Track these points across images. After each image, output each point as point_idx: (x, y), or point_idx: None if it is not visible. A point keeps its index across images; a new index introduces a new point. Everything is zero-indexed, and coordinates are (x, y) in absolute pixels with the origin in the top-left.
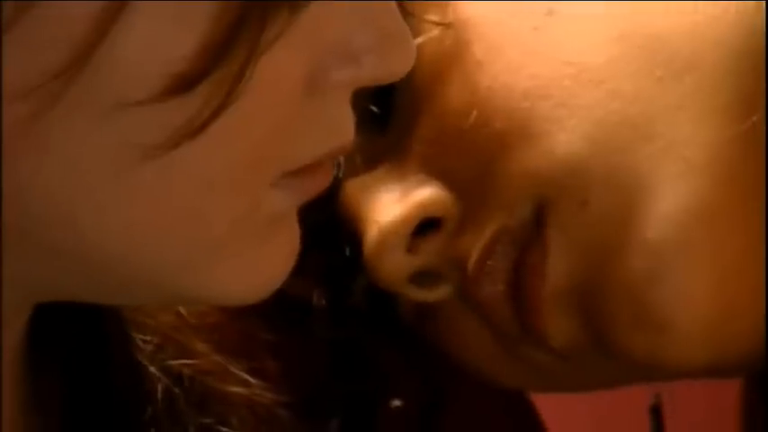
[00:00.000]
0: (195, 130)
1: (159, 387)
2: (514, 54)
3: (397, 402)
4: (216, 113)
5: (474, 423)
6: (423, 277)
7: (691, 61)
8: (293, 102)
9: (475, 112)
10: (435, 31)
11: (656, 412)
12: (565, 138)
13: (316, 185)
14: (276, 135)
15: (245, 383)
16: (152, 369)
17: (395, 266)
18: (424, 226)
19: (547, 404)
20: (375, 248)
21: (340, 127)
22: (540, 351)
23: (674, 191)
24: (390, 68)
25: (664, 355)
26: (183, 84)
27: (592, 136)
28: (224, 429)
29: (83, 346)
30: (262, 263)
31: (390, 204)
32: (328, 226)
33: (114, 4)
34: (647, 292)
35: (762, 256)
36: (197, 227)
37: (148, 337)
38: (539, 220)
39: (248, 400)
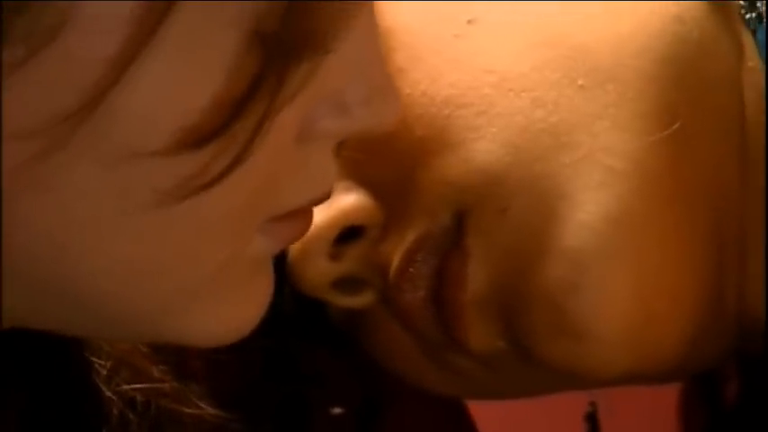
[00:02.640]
0: (207, 183)
1: (114, 411)
2: (435, 62)
3: (338, 410)
4: (230, 168)
5: (407, 428)
6: (347, 284)
7: (613, 70)
8: (287, 151)
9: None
10: None
11: (592, 420)
12: (484, 146)
13: (297, 231)
14: (269, 183)
15: (199, 406)
16: (108, 393)
17: (318, 273)
18: (348, 232)
19: (483, 412)
20: (298, 255)
21: (325, 175)
22: (462, 358)
23: (594, 199)
24: (380, 120)
25: (584, 363)
26: (196, 137)
27: (512, 144)
28: None
29: (41, 368)
30: (241, 306)
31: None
32: None
33: (131, 50)
34: (566, 300)
35: (683, 263)
36: (186, 270)
37: (103, 361)
38: (459, 227)
39: (202, 423)
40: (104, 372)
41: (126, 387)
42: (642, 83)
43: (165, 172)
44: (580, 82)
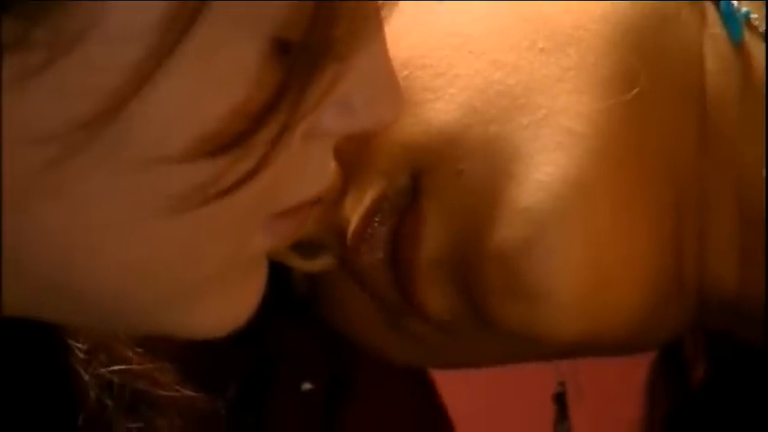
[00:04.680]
0: (224, 191)
1: (91, 394)
2: (396, 23)
3: (307, 385)
4: (248, 177)
5: (375, 407)
6: (306, 248)
7: (575, 34)
8: (294, 151)
9: None
10: None
11: (561, 399)
12: (442, 107)
13: (296, 227)
14: (274, 182)
15: (174, 388)
16: (85, 376)
17: None
18: None
19: (452, 392)
20: None
21: (325, 171)
22: (420, 323)
23: (551, 160)
24: (382, 119)
25: (537, 324)
26: (215, 146)
27: (470, 105)
28: None
29: (19, 351)
30: (237, 300)
31: None
32: None
33: (152, 59)
34: (520, 261)
35: (638, 228)
36: (190, 268)
37: (79, 345)
38: (415, 188)
39: (178, 404)
40: (82, 355)
41: (103, 370)
42: (603, 48)
43: (181, 179)
44: (541, 45)
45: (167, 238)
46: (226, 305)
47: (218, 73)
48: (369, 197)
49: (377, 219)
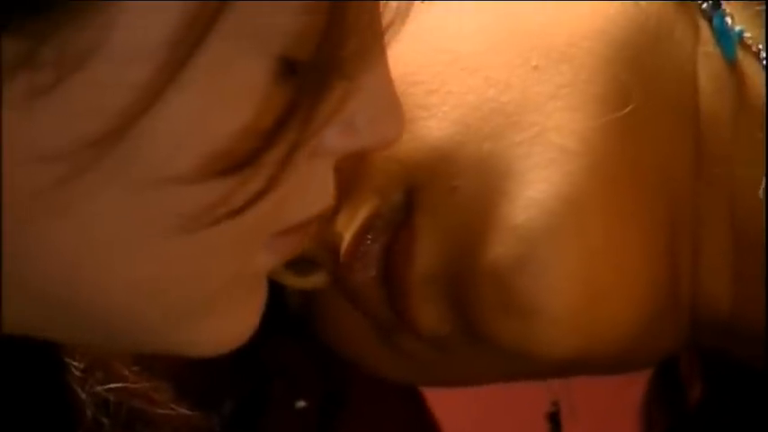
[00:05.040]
0: (233, 211)
1: (88, 413)
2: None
3: (301, 403)
4: (257, 197)
5: (368, 425)
6: (300, 265)
7: (568, 51)
8: (298, 170)
9: None
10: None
11: (555, 419)
12: (435, 124)
13: (297, 245)
14: (280, 201)
15: (170, 406)
16: (82, 395)
17: None
18: None
19: (445, 410)
20: None
21: (327, 189)
22: (413, 340)
23: (544, 177)
24: (384, 138)
25: (530, 341)
26: (224, 166)
27: (463, 122)
28: None
29: (17, 369)
30: (240, 318)
31: None
32: None
33: (161, 78)
34: (514, 278)
35: (632, 245)
36: (194, 287)
37: (76, 363)
38: (409, 204)
39: (173, 422)
40: (78, 373)
41: (99, 388)
42: (596, 65)
43: (190, 198)
44: (534, 62)
45: (174, 257)
46: (229, 323)
47: (227, 92)
48: (362, 214)
49: (370, 236)
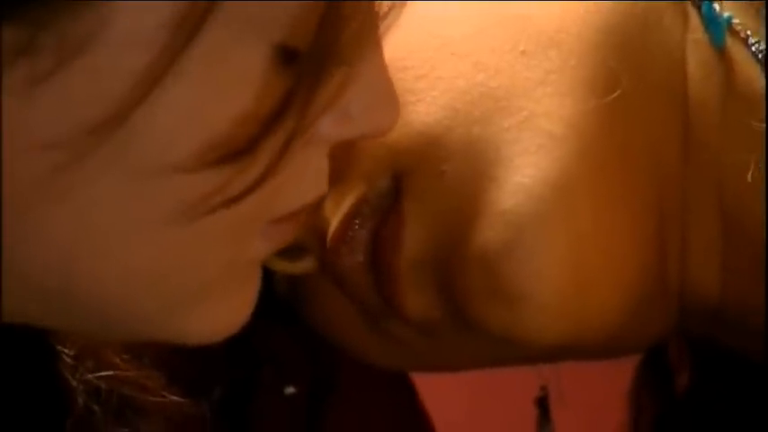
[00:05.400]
0: (231, 199)
1: (79, 400)
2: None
3: (291, 389)
4: (255, 185)
5: (357, 410)
6: (287, 250)
7: (556, 37)
8: (293, 157)
9: None
10: None
11: (543, 404)
12: (423, 108)
13: (291, 233)
14: (276, 189)
15: (161, 393)
16: (73, 382)
17: None
18: None
19: (434, 396)
20: None
21: (321, 177)
22: (401, 326)
23: (531, 163)
24: (379, 126)
25: (518, 327)
26: (222, 153)
27: (452, 107)
28: None
29: (7, 357)
30: (235, 306)
31: None
32: None
33: (159, 65)
34: (502, 263)
35: (620, 230)
36: (190, 275)
37: (67, 350)
38: (397, 190)
39: (164, 410)
40: (69, 361)
41: (90, 376)
42: (584, 50)
43: (188, 187)
44: (522, 47)
45: (171, 245)
46: (224, 311)
47: (226, 79)
48: (349, 200)
49: (357, 221)
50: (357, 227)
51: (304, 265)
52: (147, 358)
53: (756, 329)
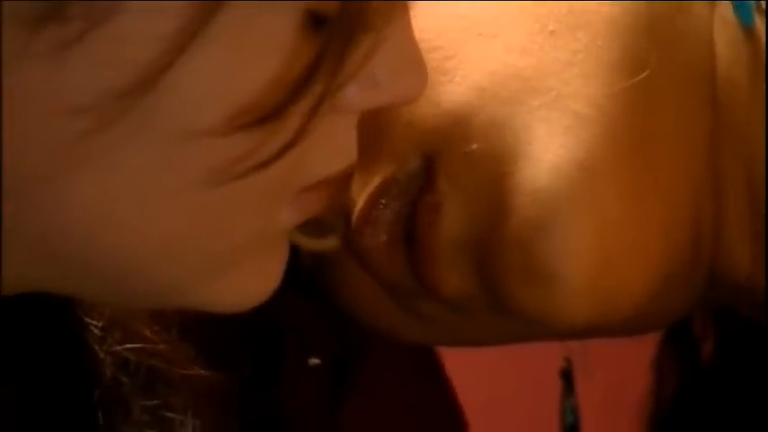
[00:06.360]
0: (260, 164)
1: (107, 372)
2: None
3: (315, 360)
4: (284, 149)
5: (383, 383)
6: (312, 227)
7: (584, 17)
8: (321, 124)
9: None
10: None
11: (567, 376)
12: (452, 89)
13: (321, 202)
14: (304, 156)
15: (189, 366)
16: (101, 354)
17: None
18: None
19: (458, 368)
20: None
21: (350, 146)
22: (431, 304)
23: (560, 142)
24: (407, 93)
25: (552, 309)
26: (251, 118)
27: (480, 87)
28: (167, 414)
29: (36, 329)
30: (263, 275)
31: None
32: None
33: (187, 30)
34: (535, 242)
35: (648, 211)
36: (218, 242)
37: (95, 322)
38: (429, 170)
39: (193, 382)
40: (97, 332)
41: (118, 348)
42: (612, 31)
43: (217, 152)
44: (551, 28)
45: (199, 212)
46: (252, 280)
47: (254, 45)
48: (376, 180)
49: (383, 201)
50: (383, 207)
51: (328, 243)
52: (172, 330)
53: None
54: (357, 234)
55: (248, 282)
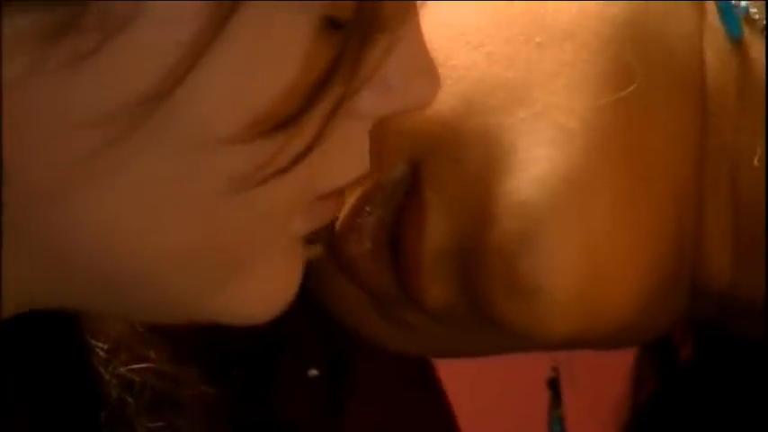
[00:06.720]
0: (280, 170)
1: (113, 393)
2: None
3: (314, 372)
4: (304, 154)
5: (377, 391)
6: None
7: (571, 29)
8: (335, 131)
9: None
10: None
11: (555, 385)
12: (439, 97)
13: (331, 211)
14: (320, 164)
15: (195, 386)
16: (106, 376)
17: None
18: None
19: (446, 378)
20: None
21: (363, 153)
22: (414, 313)
23: (546, 155)
24: (420, 98)
25: (535, 321)
26: (270, 124)
27: (466, 96)
28: None
29: (42, 351)
30: (277, 284)
31: None
32: None
33: (204, 38)
34: (519, 255)
35: (634, 224)
36: (231, 251)
37: (101, 344)
38: (414, 179)
39: (198, 403)
40: (103, 354)
41: (123, 369)
42: (599, 44)
43: (237, 159)
44: (537, 39)
45: (215, 220)
46: (266, 288)
47: (272, 50)
48: (362, 187)
49: (367, 209)
50: (367, 214)
51: (313, 251)
52: (173, 346)
53: (763, 312)
54: (342, 241)
55: (262, 291)
